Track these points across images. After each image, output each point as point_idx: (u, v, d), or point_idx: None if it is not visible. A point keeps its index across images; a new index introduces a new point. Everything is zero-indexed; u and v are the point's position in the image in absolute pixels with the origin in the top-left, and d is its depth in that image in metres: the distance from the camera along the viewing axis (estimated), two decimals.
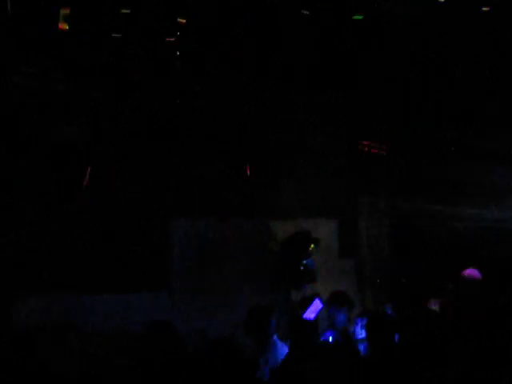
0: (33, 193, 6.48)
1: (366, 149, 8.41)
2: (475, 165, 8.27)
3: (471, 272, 6.27)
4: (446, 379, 4.47)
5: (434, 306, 6.53)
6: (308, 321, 5.81)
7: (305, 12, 6.82)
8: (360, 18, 6.82)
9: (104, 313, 6.57)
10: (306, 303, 6.72)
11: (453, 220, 8.40)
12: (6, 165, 6.40)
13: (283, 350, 5.73)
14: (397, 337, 5.41)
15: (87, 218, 6.71)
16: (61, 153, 6.64)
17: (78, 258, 6.60)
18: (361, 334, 6.20)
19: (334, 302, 6.30)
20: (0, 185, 6.36)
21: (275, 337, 5.83)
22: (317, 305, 6.72)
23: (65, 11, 5.83)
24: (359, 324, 6.23)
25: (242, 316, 5.98)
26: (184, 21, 6.29)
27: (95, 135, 6.76)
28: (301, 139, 8.02)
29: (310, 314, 6.63)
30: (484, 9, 6.89)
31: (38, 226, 6.47)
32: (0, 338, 5.53)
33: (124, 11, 6.06)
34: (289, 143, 7.90)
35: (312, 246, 7.26)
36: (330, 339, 5.90)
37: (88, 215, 6.71)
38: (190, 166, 7.32)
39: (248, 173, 7.54)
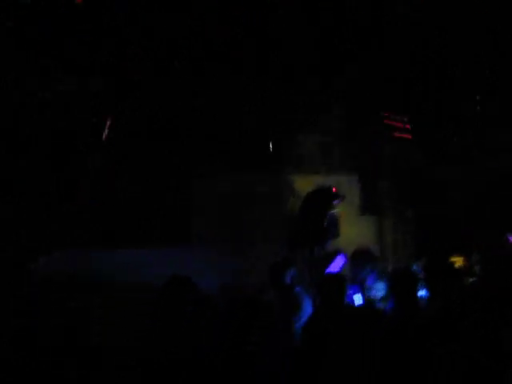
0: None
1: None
2: None
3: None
4: (456, 358, 4.49)
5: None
6: (337, 276, 5.84)
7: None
8: None
9: (127, 267, 6.50)
10: (329, 258, 6.78)
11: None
12: None
13: (307, 302, 5.77)
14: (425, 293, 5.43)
15: (110, 178, 6.70)
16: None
17: (103, 215, 6.60)
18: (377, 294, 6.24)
19: (358, 258, 6.35)
20: None
21: (298, 289, 5.85)
22: (340, 260, 6.80)
23: None
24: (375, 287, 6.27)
25: (262, 273, 6.06)
26: None
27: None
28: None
29: (333, 268, 6.70)
30: None
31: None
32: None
33: None
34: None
35: (336, 200, 7.21)
36: (357, 299, 5.96)
37: (113, 175, 6.68)
38: (212, 120, 7.33)
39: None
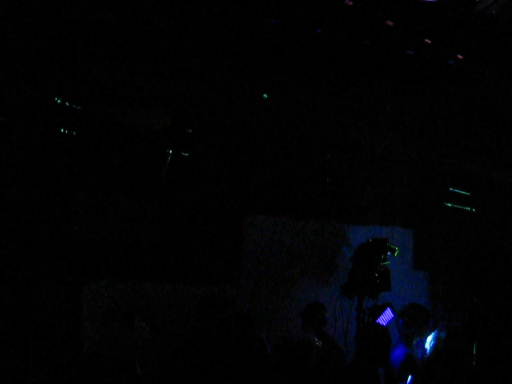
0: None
1: None
2: None
3: None
4: None
5: None
6: (381, 328, 5.84)
7: None
8: None
9: (172, 303, 6.61)
10: (378, 311, 6.77)
11: None
12: None
13: None
14: None
15: (163, 212, 6.72)
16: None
17: (152, 247, 6.59)
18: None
19: (409, 315, 6.35)
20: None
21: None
22: (388, 314, 6.77)
23: None
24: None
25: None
26: None
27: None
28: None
29: (381, 322, 6.66)
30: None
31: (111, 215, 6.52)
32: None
33: None
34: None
35: (390, 253, 7.18)
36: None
37: (165, 210, 6.72)
38: (273, 163, 7.31)
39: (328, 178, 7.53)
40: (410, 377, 5.91)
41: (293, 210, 7.44)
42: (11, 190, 5.89)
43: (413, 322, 6.40)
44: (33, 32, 5.57)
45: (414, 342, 6.40)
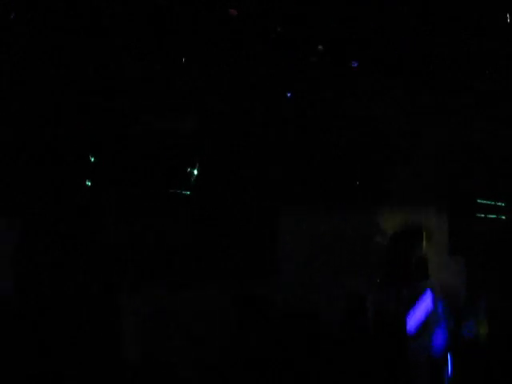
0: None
1: None
2: None
3: None
4: None
5: None
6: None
7: None
8: None
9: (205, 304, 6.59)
10: (416, 298, 6.73)
11: None
12: None
13: None
14: None
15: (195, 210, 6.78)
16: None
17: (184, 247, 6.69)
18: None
19: (449, 300, 6.37)
20: None
21: None
22: (427, 300, 6.74)
23: None
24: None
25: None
26: None
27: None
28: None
29: (421, 308, 6.64)
30: None
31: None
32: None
33: None
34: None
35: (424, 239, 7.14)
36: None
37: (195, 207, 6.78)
38: (305, 154, 7.21)
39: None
40: (449, 359, 5.88)
41: (326, 201, 7.36)
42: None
43: (453, 308, 6.35)
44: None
45: (459, 327, 6.34)
